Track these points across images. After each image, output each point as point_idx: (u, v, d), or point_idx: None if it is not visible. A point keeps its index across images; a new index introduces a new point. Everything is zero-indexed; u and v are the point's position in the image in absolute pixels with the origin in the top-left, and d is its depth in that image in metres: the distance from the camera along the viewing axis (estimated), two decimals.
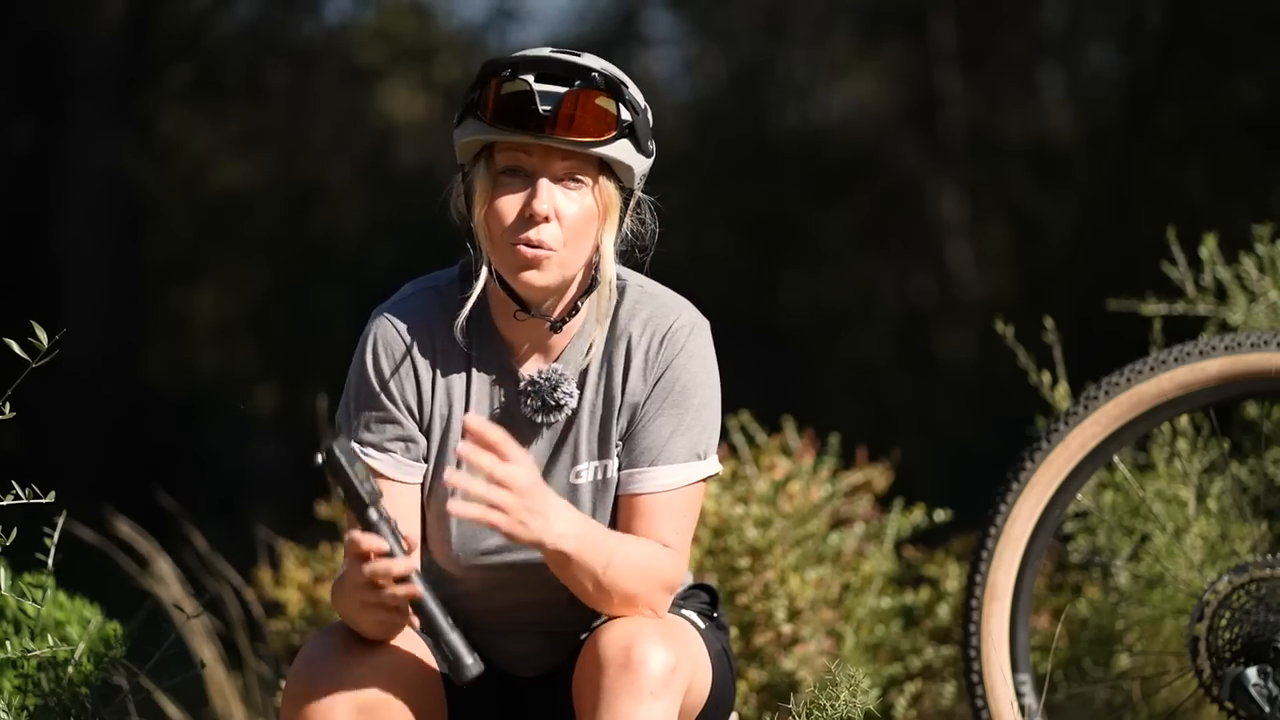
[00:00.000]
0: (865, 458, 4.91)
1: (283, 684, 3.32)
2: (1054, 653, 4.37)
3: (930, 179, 15.24)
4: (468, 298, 3.00)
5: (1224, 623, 3.57)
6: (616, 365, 3.04)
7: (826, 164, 15.58)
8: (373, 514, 2.78)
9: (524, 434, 3.03)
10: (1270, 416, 4.62)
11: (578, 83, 2.92)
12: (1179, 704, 4.35)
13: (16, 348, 3.07)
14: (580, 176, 2.96)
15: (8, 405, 3.19)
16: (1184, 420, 4.58)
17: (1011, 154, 15.35)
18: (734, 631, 4.51)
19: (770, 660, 4.52)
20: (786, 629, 4.50)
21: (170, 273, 15.85)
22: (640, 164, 2.99)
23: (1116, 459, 3.99)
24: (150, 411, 13.97)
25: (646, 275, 3.10)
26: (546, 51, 2.97)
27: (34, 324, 3.08)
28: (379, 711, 2.92)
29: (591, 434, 3.04)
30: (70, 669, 3.53)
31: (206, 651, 4.99)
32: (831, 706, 3.06)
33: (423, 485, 3.05)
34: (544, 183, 2.95)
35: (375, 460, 3.01)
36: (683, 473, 3.02)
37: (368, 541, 2.77)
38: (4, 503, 3.23)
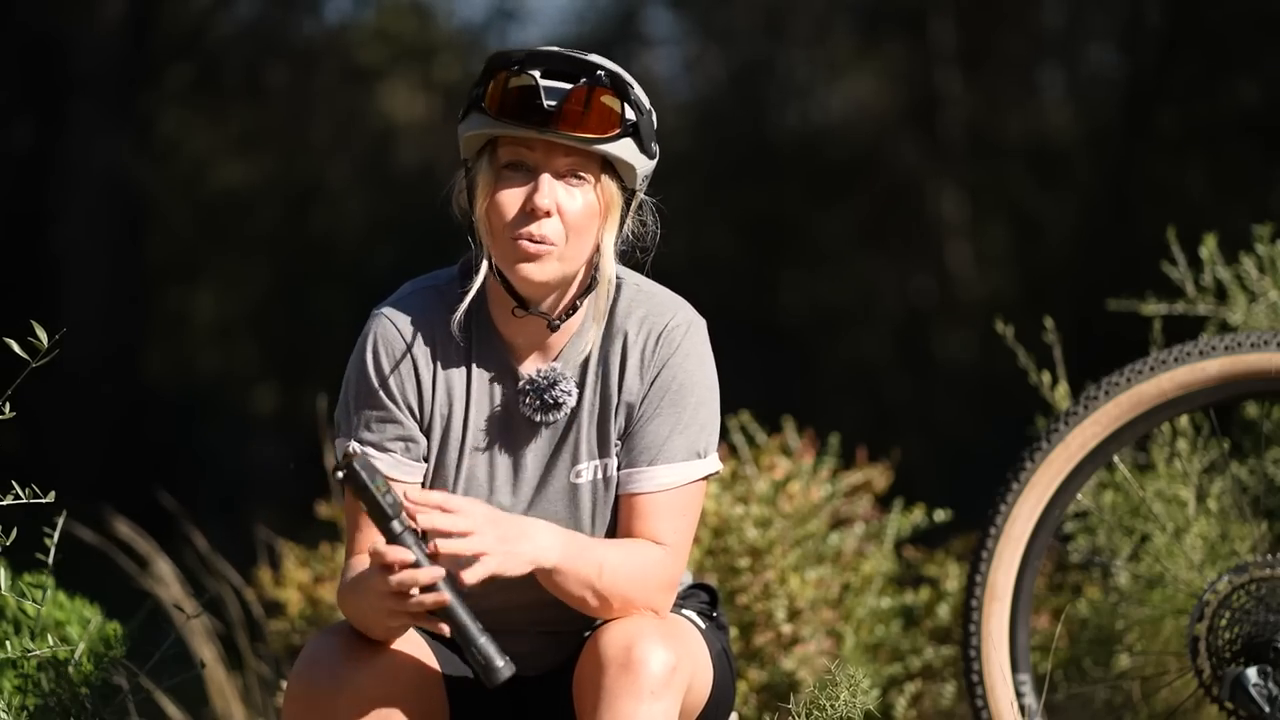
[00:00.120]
0: (865, 458, 4.91)
1: (283, 684, 3.33)
2: (1054, 653, 4.37)
3: (930, 179, 15.24)
4: (468, 290, 3.00)
5: (1224, 623, 3.57)
6: (613, 364, 3.04)
7: (826, 164, 15.58)
8: (396, 526, 2.79)
9: (524, 433, 3.03)
10: (1270, 416, 4.62)
11: (583, 79, 2.92)
12: (1179, 704, 4.35)
13: (16, 348, 3.07)
14: (583, 173, 2.97)
15: (8, 405, 3.19)
16: (1184, 420, 4.58)
17: (1011, 154, 15.36)
18: (734, 631, 4.51)
19: (770, 660, 4.52)
20: (786, 629, 4.50)
21: (170, 273, 15.85)
22: (643, 164, 2.99)
23: (1116, 459, 3.99)
24: (150, 411, 13.97)
25: (646, 276, 3.10)
26: (553, 48, 2.98)
27: (34, 324, 3.08)
28: (381, 711, 2.92)
29: (591, 433, 3.04)
30: (70, 669, 3.53)
31: (206, 651, 4.99)
32: (831, 706, 3.06)
33: (423, 485, 3.05)
34: (546, 178, 2.95)
35: (375, 460, 3.01)
36: (682, 471, 3.02)
37: (393, 554, 2.78)
38: (4, 503, 3.23)
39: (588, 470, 3.03)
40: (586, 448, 3.03)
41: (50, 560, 3.44)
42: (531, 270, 2.96)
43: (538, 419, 3.03)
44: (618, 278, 3.05)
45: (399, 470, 3.01)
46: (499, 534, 2.84)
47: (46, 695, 3.53)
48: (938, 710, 4.63)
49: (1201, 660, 3.59)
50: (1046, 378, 4.59)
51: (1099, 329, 6.69)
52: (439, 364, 3.03)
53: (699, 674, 3.00)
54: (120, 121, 13.23)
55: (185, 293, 16.15)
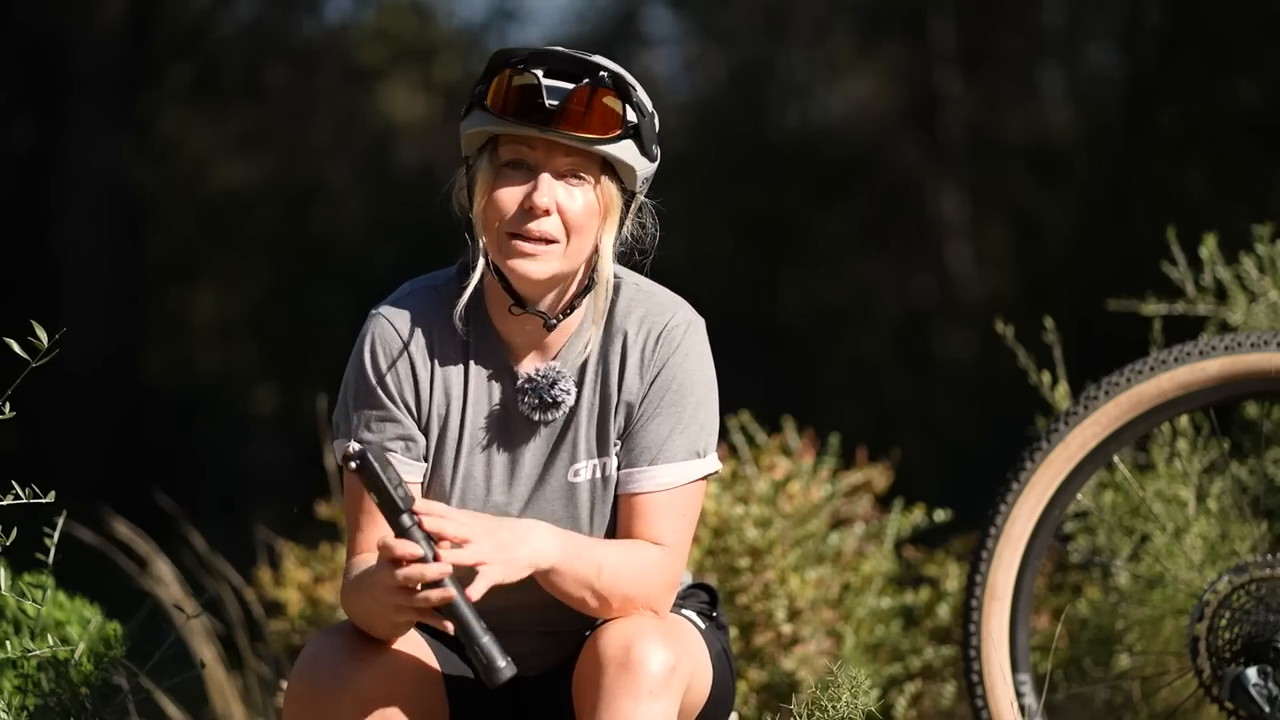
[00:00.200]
0: (865, 458, 4.91)
1: (283, 684, 3.33)
2: (1054, 653, 4.37)
3: (930, 179, 15.24)
4: (466, 286, 3.00)
5: (1224, 623, 3.57)
6: (612, 363, 3.04)
7: (826, 164, 15.58)
8: (406, 520, 2.79)
9: (522, 432, 3.03)
10: (1270, 416, 4.62)
11: (586, 80, 2.92)
12: (1179, 704, 4.35)
13: (16, 348, 3.07)
14: (582, 174, 2.97)
15: (8, 405, 3.19)
16: (1184, 420, 4.58)
17: (1011, 154, 15.36)
18: (734, 631, 4.50)
19: (770, 660, 4.52)
20: (786, 629, 4.50)
21: (170, 273, 15.85)
22: (644, 166, 2.99)
23: (1116, 459, 3.99)
24: (150, 411, 13.97)
25: (645, 276, 3.10)
26: (557, 48, 2.98)
27: (34, 324, 3.08)
28: (381, 711, 2.92)
29: (590, 432, 3.04)
30: (70, 669, 3.53)
31: (206, 651, 4.99)
32: (832, 706, 3.06)
33: (422, 484, 3.05)
34: (546, 177, 2.95)
35: None
36: (681, 471, 3.02)
37: (401, 547, 2.78)
38: (4, 503, 3.23)
39: (586, 469, 3.03)
40: (585, 447, 3.03)
41: (50, 560, 3.44)
42: (528, 266, 2.96)
43: (536, 418, 3.03)
44: (616, 277, 3.05)
45: (399, 469, 3.01)
46: (496, 542, 2.84)
47: (46, 695, 3.53)
48: (938, 710, 4.63)
49: (1201, 660, 3.59)
50: (1046, 378, 4.59)
51: (1099, 329, 6.69)
52: (437, 362, 3.03)
53: (698, 674, 3.00)
54: (120, 121, 13.23)
55: (185, 293, 16.15)
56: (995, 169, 15.33)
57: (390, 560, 2.79)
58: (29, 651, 3.47)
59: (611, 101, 2.93)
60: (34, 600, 3.53)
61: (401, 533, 2.79)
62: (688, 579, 3.21)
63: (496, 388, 3.04)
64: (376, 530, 2.95)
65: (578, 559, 2.92)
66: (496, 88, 2.94)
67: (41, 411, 11.58)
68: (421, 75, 16.81)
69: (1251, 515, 4.53)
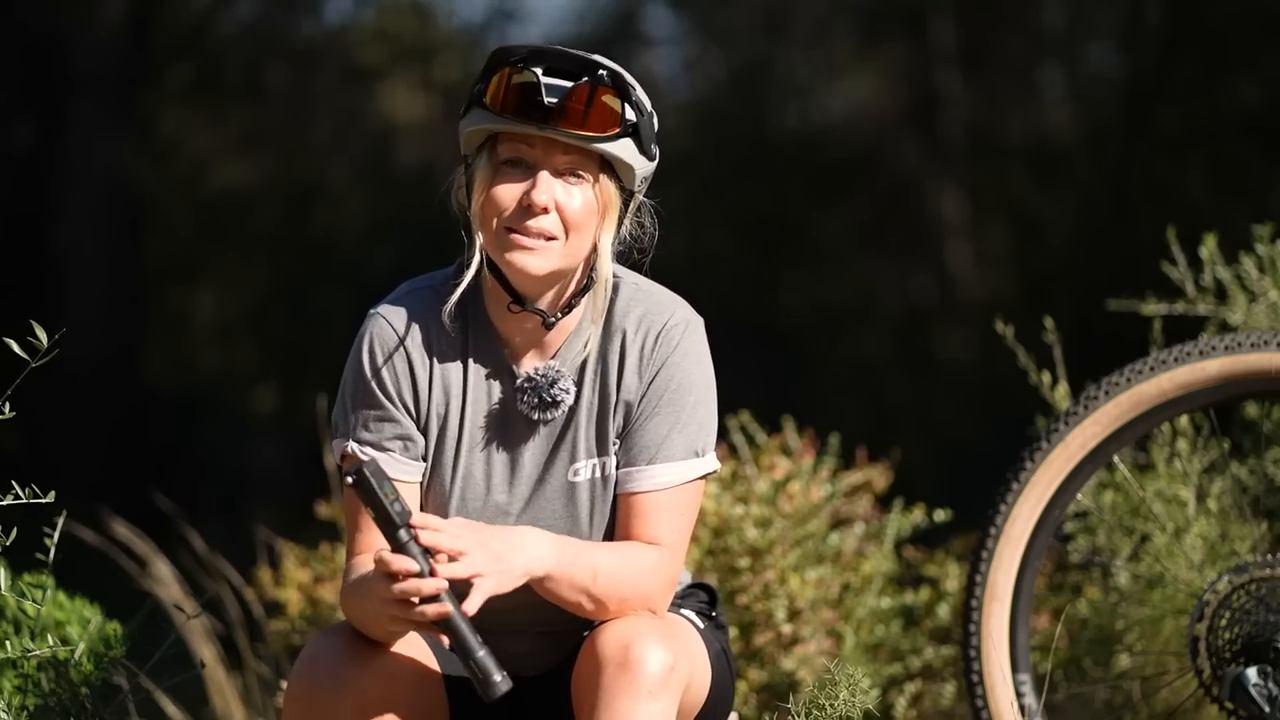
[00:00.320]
0: (865, 458, 4.91)
1: (283, 684, 3.33)
2: (1054, 653, 4.37)
3: (930, 179, 15.24)
4: (460, 282, 2.99)
5: (1224, 623, 3.57)
6: (611, 362, 3.04)
7: (826, 164, 15.58)
8: (403, 534, 2.79)
9: (521, 431, 3.03)
10: (1270, 416, 4.62)
11: (585, 78, 2.92)
12: (1179, 704, 4.35)
13: (16, 348, 3.07)
14: (581, 172, 2.96)
15: (8, 405, 3.19)
16: (1184, 420, 4.58)
17: (1011, 154, 15.36)
18: (734, 631, 4.50)
19: (770, 660, 4.52)
20: (786, 629, 4.50)
21: (170, 273, 15.85)
22: (642, 166, 2.99)
23: (1116, 459, 3.99)
24: (150, 411, 13.97)
25: (644, 276, 3.10)
26: (557, 46, 2.98)
27: (34, 324, 3.08)
28: (381, 711, 2.92)
29: (589, 431, 3.04)
30: (70, 669, 3.53)
31: (206, 651, 4.99)
32: (831, 706, 3.06)
33: (421, 484, 3.05)
34: (544, 175, 2.95)
35: (374, 458, 3.00)
36: (680, 470, 3.02)
37: (398, 562, 2.78)
38: (4, 503, 3.23)
39: (585, 469, 3.03)
40: (584, 446, 3.03)
41: (50, 560, 3.44)
42: (527, 261, 2.96)
43: (535, 417, 3.03)
44: (615, 276, 3.05)
45: (398, 469, 3.01)
46: (489, 554, 2.83)
47: (46, 695, 3.53)
48: (938, 710, 4.63)
49: (1201, 660, 3.59)
50: (1046, 378, 4.59)
51: (1099, 329, 6.70)
52: (435, 361, 3.03)
53: (697, 673, 3.00)
54: (120, 121, 13.23)
55: (185, 293, 16.15)
56: (995, 169, 15.33)
57: (387, 574, 2.79)
58: (29, 651, 3.47)
59: (610, 100, 2.93)
60: (34, 600, 3.53)
61: (398, 547, 2.79)
62: (687, 579, 3.21)
63: (496, 387, 3.04)
64: (375, 532, 2.95)
65: (572, 565, 2.92)
66: (496, 86, 2.94)
67: (41, 411, 11.58)
68: (421, 75, 16.81)
69: (1251, 515, 4.53)
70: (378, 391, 3.02)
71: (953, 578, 4.70)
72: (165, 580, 5.09)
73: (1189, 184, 14.01)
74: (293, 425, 14.18)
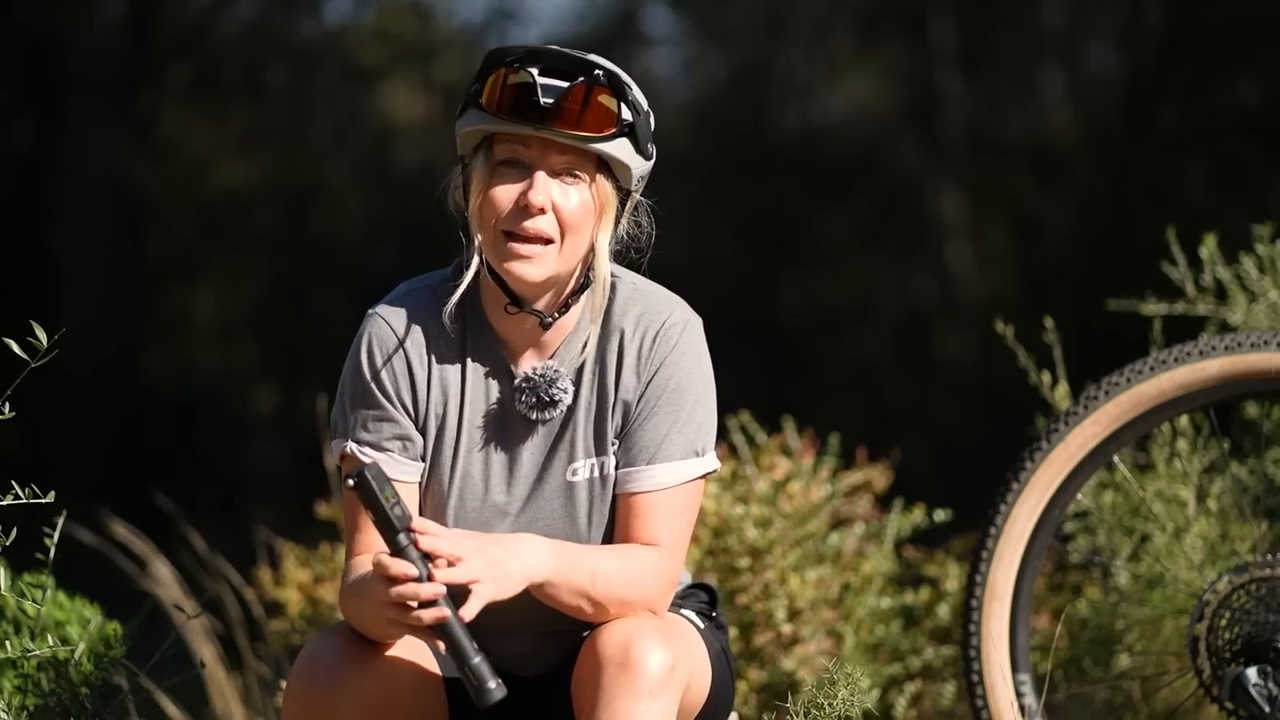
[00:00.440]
0: (865, 458, 4.90)
1: (283, 684, 3.33)
2: (1054, 653, 4.37)
3: (930, 179, 15.24)
4: (459, 284, 2.99)
5: (1224, 623, 3.57)
6: (610, 362, 3.04)
7: (826, 164, 15.58)
8: (403, 539, 2.79)
9: (520, 431, 3.03)
10: (1270, 416, 4.62)
11: (581, 78, 2.92)
12: (1179, 704, 4.35)
13: (16, 348, 3.07)
14: (578, 172, 2.96)
15: (8, 405, 3.19)
16: (1184, 420, 4.58)
17: (1011, 154, 15.36)
18: (734, 631, 4.50)
19: (770, 660, 4.52)
20: (786, 629, 4.49)
21: (170, 273, 15.85)
22: (639, 165, 2.99)
23: (1116, 459, 3.99)
24: (150, 411, 13.97)
25: (643, 276, 3.10)
26: (552, 46, 2.98)
27: (34, 324, 3.08)
28: (381, 712, 2.92)
29: (588, 431, 3.03)
30: (70, 669, 3.53)
31: (206, 651, 4.99)
32: (831, 706, 3.06)
33: (420, 484, 3.05)
34: (541, 175, 2.95)
35: (373, 458, 3.00)
36: (680, 470, 3.02)
37: (397, 567, 2.78)
38: (4, 503, 3.23)
39: (584, 468, 3.03)
40: (583, 446, 3.03)
41: (50, 560, 3.44)
42: (525, 269, 2.96)
43: (534, 417, 3.03)
44: (613, 276, 3.05)
45: (397, 469, 3.01)
46: (487, 560, 2.83)
47: (46, 695, 3.53)
48: (938, 710, 4.63)
49: (1201, 660, 3.59)
50: (1046, 378, 4.59)
51: (1099, 329, 6.70)
52: (434, 362, 3.03)
53: (697, 673, 3.00)
54: (120, 121, 13.23)
55: (185, 293, 16.15)
56: (995, 169, 15.33)
57: (386, 579, 2.79)
58: (29, 651, 3.47)
59: (607, 100, 2.93)
60: (34, 600, 3.53)
61: (397, 551, 2.79)
62: (687, 579, 3.21)
63: (494, 386, 3.04)
64: (375, 532, 2.95)
65: (571, 569, 2.91)
66: (492, 86, 2.94)
67: (41, 411, 11.58)
68: (421, 75, 16.81)
69: (1251, 515, 4.53)
70: (376, 392, 3.02)
71: (953, 578, 4.70)
72: (165, 580, 5.09)
73: (1189, 184, 14.01)
74: (293, 425, 14.18)
